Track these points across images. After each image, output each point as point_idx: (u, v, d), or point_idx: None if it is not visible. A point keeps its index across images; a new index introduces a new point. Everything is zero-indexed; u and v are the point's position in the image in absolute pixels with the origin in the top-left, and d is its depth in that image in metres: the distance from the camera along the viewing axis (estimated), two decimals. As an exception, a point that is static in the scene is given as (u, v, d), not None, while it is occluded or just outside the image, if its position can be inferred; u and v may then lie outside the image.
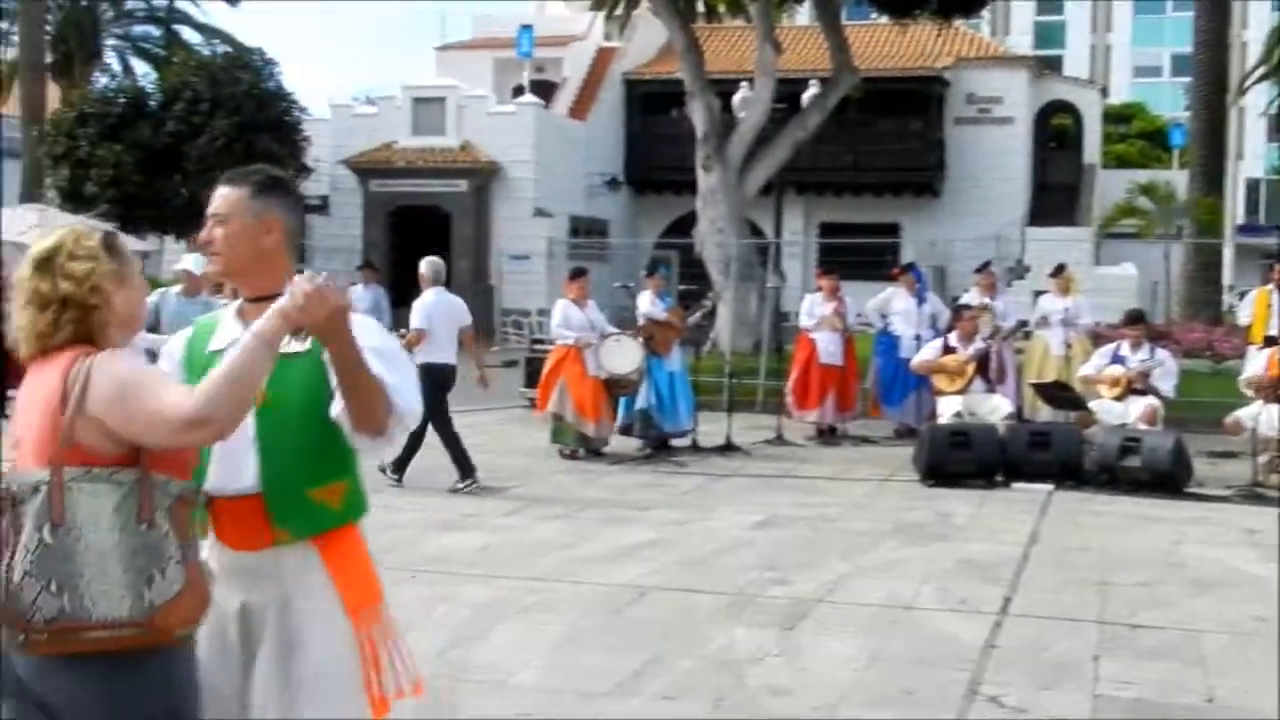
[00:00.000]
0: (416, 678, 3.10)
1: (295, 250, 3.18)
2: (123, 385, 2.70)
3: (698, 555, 8.53)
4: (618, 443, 13.28)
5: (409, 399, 3.01)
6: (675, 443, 13.45)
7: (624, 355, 12.73)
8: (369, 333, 3.02)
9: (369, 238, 30.84)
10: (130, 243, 10.52)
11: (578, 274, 13.24)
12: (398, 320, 19.85)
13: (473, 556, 8.44)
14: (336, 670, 2.96)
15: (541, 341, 18.22)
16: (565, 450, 12.89)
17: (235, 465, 3.01)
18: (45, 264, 2.83)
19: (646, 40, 36.98)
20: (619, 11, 30.83)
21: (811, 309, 14.76)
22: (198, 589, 2.72)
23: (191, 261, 10.18)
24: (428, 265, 11.29)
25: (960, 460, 11.44)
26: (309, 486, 3.02)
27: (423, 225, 30.79)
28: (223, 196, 3.12)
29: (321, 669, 2.95)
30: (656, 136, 36.03)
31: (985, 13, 30.73)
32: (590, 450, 12.94)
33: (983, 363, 12.55)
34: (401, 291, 19.59)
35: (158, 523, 2.68)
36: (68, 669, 2.70)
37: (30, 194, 29.19)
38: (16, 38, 31.79)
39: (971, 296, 15.12)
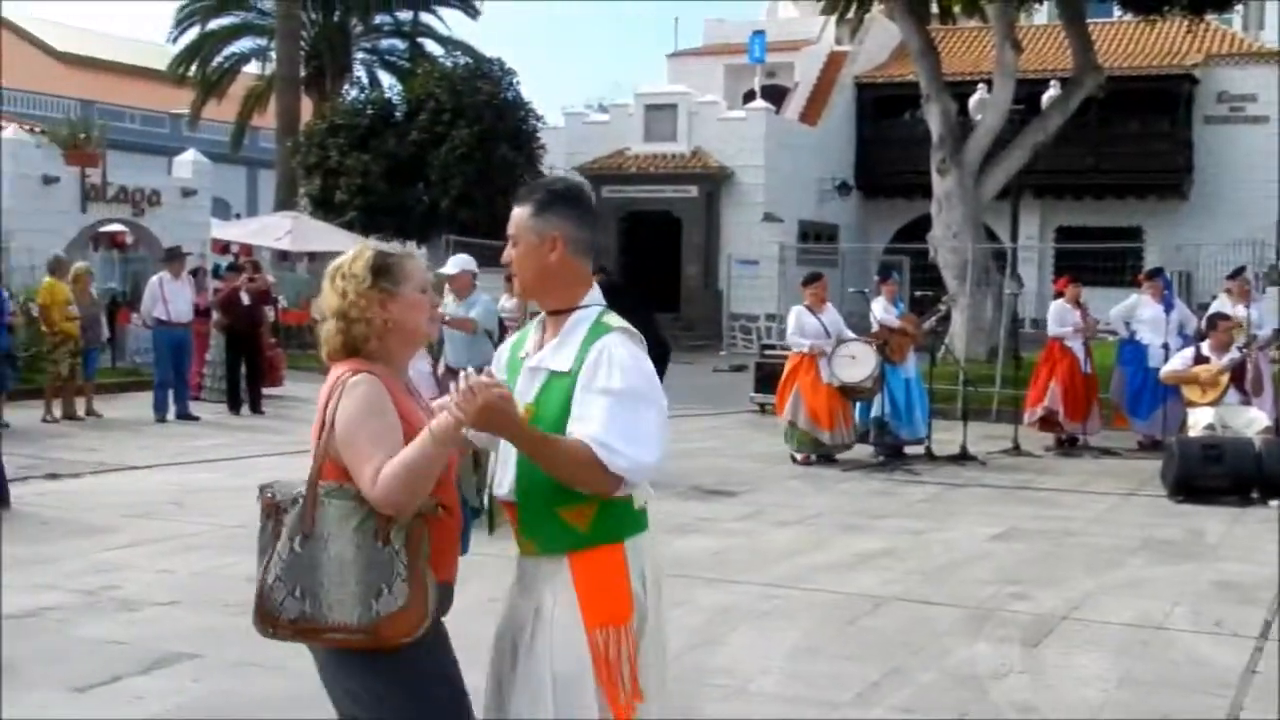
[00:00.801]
0: (637, 689, 3.09)
1: (589, 256, 3.20)
2: (346, 433, 3.00)
3: (935, 566, 8.39)
4: (851, 449, 13.16)
5: (629, 457, 2.97)
6: (909, 450, 13.26)
7: (858, 364, 12.60)
8: (613, 372, 3.03)
9: (601, 243, 31.34)
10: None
11: (813, 279, 13.17)
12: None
13: (707, 560, 8.49)
14: (570, 681, 3.03)
15: (772, 347, 18.23)
16: (798, 456, 12.85)
17: (504, 471, 3.16)
18: (332, 278, 3.16)
19: (879, 43, 36.57)
20: (850, 15, 30.56)
21: (1063, 317, 14.26)
22: (419, 605, 2.97)
23: (451, 264, 10.54)
24: None
25: (1213, 475, 10.93)
26: (557, 505, 3.06)
27: (653, 230, 31.19)
28: (513, 216, 3.20)
29: (558, 677, 3.04)
30: (888, 140, 35.66)
31: (1238, 7, 29.25)
32: (823, 456, 12.87)
33: (1238, 373, 11.97)
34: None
35: (392, 541, 2.95)
36: (325, 658, 3.11)
37: (284, 202, 30.72)
38: (274, 54, 33.45)
39: (1222, 303, 14.44)
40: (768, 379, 15.90)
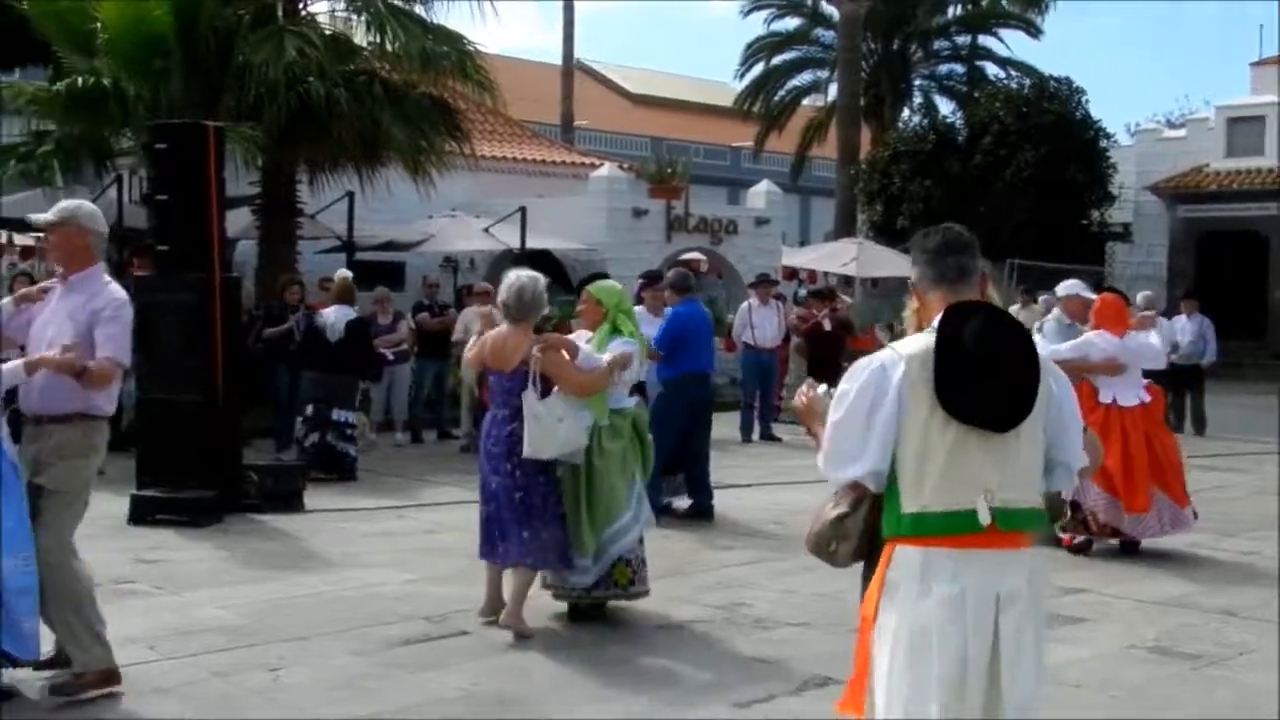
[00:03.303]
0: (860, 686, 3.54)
1: (934, 283, 3.65)
2: None
3: None
4: None
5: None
6: None
7: None
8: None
9: (1175, 265, 29.51)
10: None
11: None
12: (1224, 351, 18.70)
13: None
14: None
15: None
16: None
17: None
18: None
19: None
20: None
21: None
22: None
23: (1063, 288, 10.38)
24: (1143, 298, 14.95)
25: None
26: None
27: (1235, 251, 28.95)
28: None
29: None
30: None
31: None
32: None
33: None
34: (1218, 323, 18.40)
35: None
36: None
37: (841, 229, 31.12)
38: (835, 86, 34.13)
39: None
40: None
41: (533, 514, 6.81)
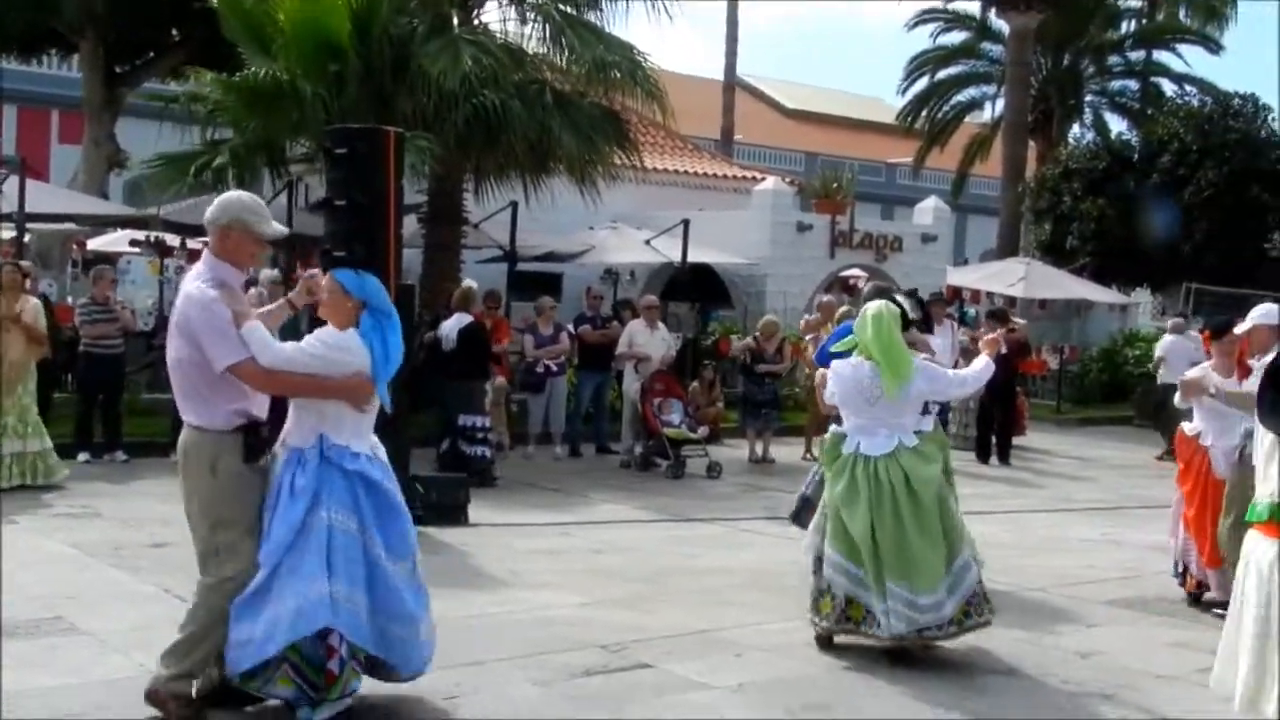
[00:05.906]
0: None
1: None
2: None
3: None
4: None
5: None
6: None
7: None
8: None
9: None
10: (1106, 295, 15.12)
11: None
12: None
13: None
14: None
15: None
16: None
17: None
18: None
19: None
20: None
21: None
22: None
23: (1260, 315, 9.53)
24: None
25: None
26: None
27: None
28: None
29: None
30: None
31: None
32: None
33: None
34: None
35: None
36: None
37: (1005, 248, 30.20)
38: (1000, 101, 33.21)
39: None
40: None
41: None
